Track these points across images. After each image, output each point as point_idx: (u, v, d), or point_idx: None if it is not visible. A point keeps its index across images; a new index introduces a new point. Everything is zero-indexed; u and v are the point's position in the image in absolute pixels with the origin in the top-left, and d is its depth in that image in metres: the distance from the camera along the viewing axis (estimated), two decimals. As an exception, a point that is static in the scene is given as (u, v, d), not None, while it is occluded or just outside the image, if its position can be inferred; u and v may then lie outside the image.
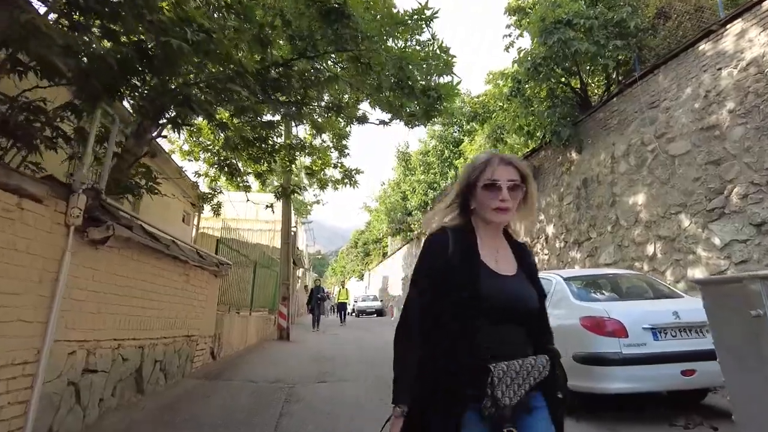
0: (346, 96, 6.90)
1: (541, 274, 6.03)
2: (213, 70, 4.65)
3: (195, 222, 17.10)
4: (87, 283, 3.92)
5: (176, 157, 13.19)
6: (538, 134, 10.63)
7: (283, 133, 8.08)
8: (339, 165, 9.31)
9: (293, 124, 8.61)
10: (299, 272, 30.10)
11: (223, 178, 12.26)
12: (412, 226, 23.17)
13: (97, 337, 4.15)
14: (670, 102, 7.43)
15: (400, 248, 28.97)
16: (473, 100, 15.02)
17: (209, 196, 12.09)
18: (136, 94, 4.36)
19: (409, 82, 5.38)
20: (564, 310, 5.34)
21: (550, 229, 10.79)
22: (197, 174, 12.03)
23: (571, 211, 9.97)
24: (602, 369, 4.60)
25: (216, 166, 8.13)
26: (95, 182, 4.07)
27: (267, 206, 10.28)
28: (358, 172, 9.09)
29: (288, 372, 7.54)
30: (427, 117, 5.52)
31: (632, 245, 7.99)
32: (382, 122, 6.82)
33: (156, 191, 5.73)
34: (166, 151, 12.45)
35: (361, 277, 49.74)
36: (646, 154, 7.87)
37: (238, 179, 8.56)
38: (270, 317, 16.43)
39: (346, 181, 9.09)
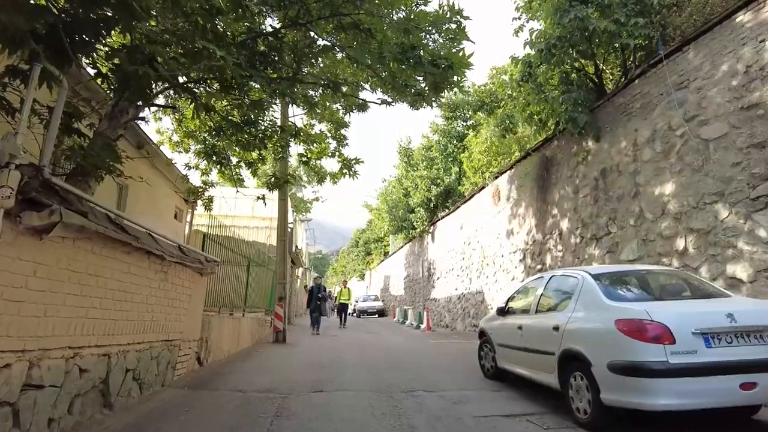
0: (344, 73, 6.19)
1: (564, 271, 5.24)
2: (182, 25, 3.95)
3: (188, 219, 16.45)
4: (27, 280, 3.23)
5: (166, 150, 12.50)
6: (551, 122, 9.92)
7: (275, 116, 7.35)
8: (337, 153, 8.60)
9: (289, 105, 7.92)
10: (299, 272, 29.44)
11: (214, 171, 11.60)
12: (414, 223, 22.45)
13: (44, 345, 3.45)
14: (703, 81, 6.71)
15: (402, 247, 28.28)
16: (480, 89, 14.33)
17: (201, 190, 11.41)
18: (92, 55, 3.67)
19: (416, 51, 4.68)
20: (594, 312, 4.65)
21: (564, 224, 10.08)
22: (187, 166, 11.36)
23: (588, 205, 9.26)
24: (645, 381, 3.89)
25: (203, 155, 7.43)
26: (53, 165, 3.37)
27: (258, 198, 9.57)
28: (357, 161, 8.39)
29: (281, 380, 6.85)
30: (436, 91, 4.82)
31: (659, 239, 7.28)
32: (385, 102, 6.12)
33: (118, 173, 5.02)
34: (155, 142, 11.78)
35: (362, 277, 49.06)
36: (674, 140, 7.16)
37: (228, 169, 7.85)
38: (266, 318, 15.74)
39: (344, 171, 8.38)
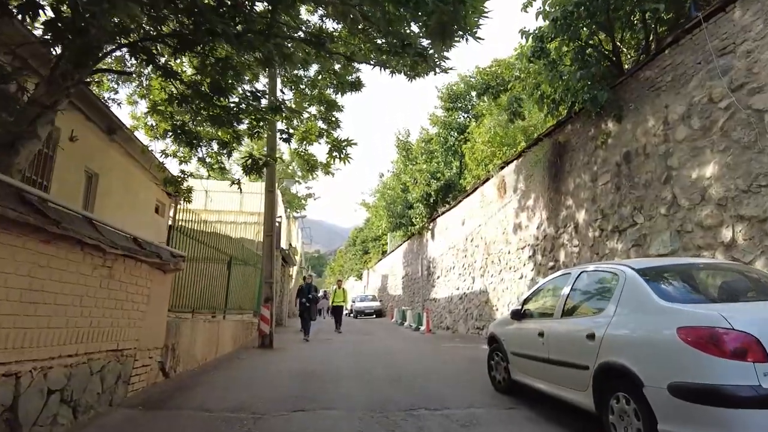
0: (329, 24, 5.17)
1: (597, 266, 3.93)
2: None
3: (171, 213, 15.41)
4: None
5: (145, 139, 11.44)
6: (563, 107, 8.89)
7: (259, 91, 6.30)
8: (325, 133, 7.55)
9: (277, 79, 6.89)
10: (292, 271, 28.38)
11: (194, 160, 10.55)
12: (413, 220, 21.42)
13: None
14: (753, 43, 5.70)
15: (401, 245, 27.27)
16: (484, 71, 13.31)
17: (179, 179, 10.36)
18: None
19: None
20: (644, 316, 3.64)
21: (580, 216, 9.07)
22: (164, 153, 10.33)
23: (609, 193, 8.25)
24: (728, 413, 2.88)
25: (171, 134, 6.39)
26: None
27: (232, 183, 8.52)
28: (349, 143, 7.36)
29: (259, 395, 5.83)
30: (443, 37, 3.79)
31: (698, 230, 6.27)
32: (380, 64, 5.11)
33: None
34: (128, 127, 10.73)
35: (360, 277, 48.06)
36: (716, 114, 6.15)
37: (199, 150, 6.82)
38: (254, 321, 14.71)
39: (334, 155, 7.35)
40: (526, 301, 5.70)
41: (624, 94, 8.10)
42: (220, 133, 6.74)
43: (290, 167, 26.11)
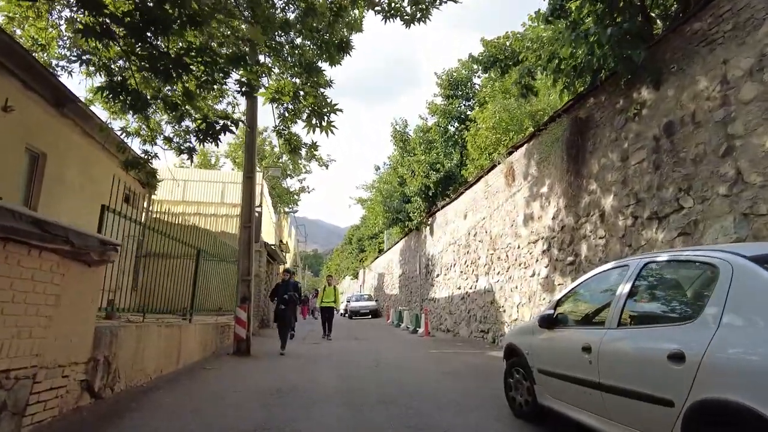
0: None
1: (678, 254, 2.67)
2: None
3: (146, 204, 14.03)
4: None
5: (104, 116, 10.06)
6: (590, 68, 7.51)
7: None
8: (303, 94, 6.15)
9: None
10: (281, 269, 26.86)
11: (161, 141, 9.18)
12: (410, 214, 20.03)
13: None
14: None
15: (397, 242, 25.89)
16: (491, 43, 11.93)
17: (141, 161, 8.98)
18: None
19: None
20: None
21: (607, 202, 7.71)
22: (125, 131, 8.95)
23: (645, 173, 6.90)
24: None
25: (108, 92, 4.99)
26: None
27: (181, 152, 7.16)
28: (332, 109, 5.96)
29: (211, 424, 4.47)
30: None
31: (774, 213, 4.92)
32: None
33: None
34: (83, 100, 9.32)
35: (356, 276, 46.69)
36: (798, 64, 4.80)
37: (144, 109, 5.42)
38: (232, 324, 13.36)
39: (314, 123, 5.97)
40: (559, 303, 4.35)
41: (663, 55, 6.75)
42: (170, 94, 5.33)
43: (281, 160, 24.67)
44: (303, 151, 9.72)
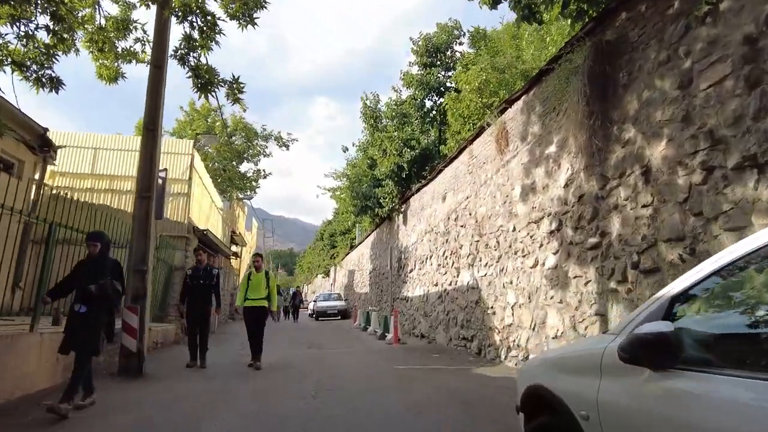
0: None
1: None
2: None
3: (38, 176, 11.00)
4: None
5: None
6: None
7: None
8: None
9: None
10: (239, 264, 23.80)
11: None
12: (381, 200, 17.36)
13: None
14: None
15: (369, 235, 23.22)
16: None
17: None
18: None
19: None
20: None
21: (656, 152, 5.19)
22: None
23: (730, 97, 4.38)
24: None
25: None
26: None
27: (41, 84, 4.40)
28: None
29: None
30: None
31: None
32: None
33: None
34: None
35: (327, 273, 43.83)
36: None
37: None
38: (163, 327, 10.57)
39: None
40: (673, 315, 1.73)
41: None
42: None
43: (234, 138, 21.62)
44: (221, 92, 6.95)
